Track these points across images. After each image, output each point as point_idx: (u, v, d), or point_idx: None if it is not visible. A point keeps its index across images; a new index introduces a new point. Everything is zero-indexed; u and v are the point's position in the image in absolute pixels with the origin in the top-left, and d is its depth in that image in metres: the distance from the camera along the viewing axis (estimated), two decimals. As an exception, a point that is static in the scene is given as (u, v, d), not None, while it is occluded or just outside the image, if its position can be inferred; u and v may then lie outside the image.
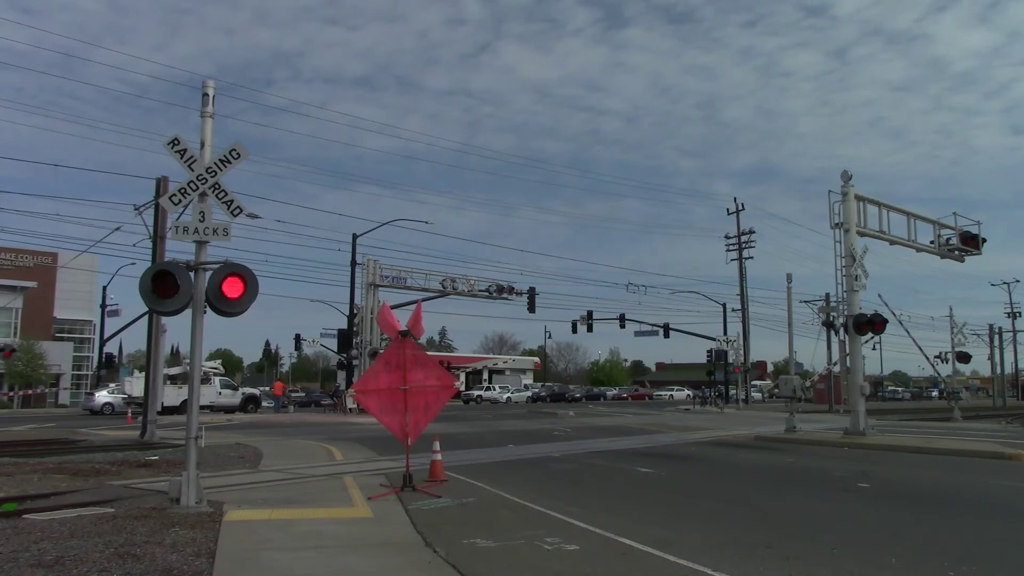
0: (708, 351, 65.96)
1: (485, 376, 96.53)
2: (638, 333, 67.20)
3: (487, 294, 54.83)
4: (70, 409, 55.48)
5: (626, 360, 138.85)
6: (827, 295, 47.06)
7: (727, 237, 66.11)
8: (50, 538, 8.15)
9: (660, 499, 12.40)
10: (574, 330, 64.09)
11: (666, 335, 65.73)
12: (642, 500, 12.26)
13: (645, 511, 10.93)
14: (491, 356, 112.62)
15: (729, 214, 66.03)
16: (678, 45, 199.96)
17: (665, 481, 14.67)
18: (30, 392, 56.83)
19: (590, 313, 63.14)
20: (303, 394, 72.42)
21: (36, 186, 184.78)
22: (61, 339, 64.61)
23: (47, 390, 59.61)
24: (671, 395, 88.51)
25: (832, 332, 34.05)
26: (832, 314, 27.78)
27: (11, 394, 55.55)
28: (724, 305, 66.92)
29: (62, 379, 62.49)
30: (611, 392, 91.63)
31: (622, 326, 64.07)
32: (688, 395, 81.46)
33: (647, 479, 14.97)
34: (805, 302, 54.96)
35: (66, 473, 14.80)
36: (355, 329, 48.66)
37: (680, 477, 15.31)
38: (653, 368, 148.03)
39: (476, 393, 74.97)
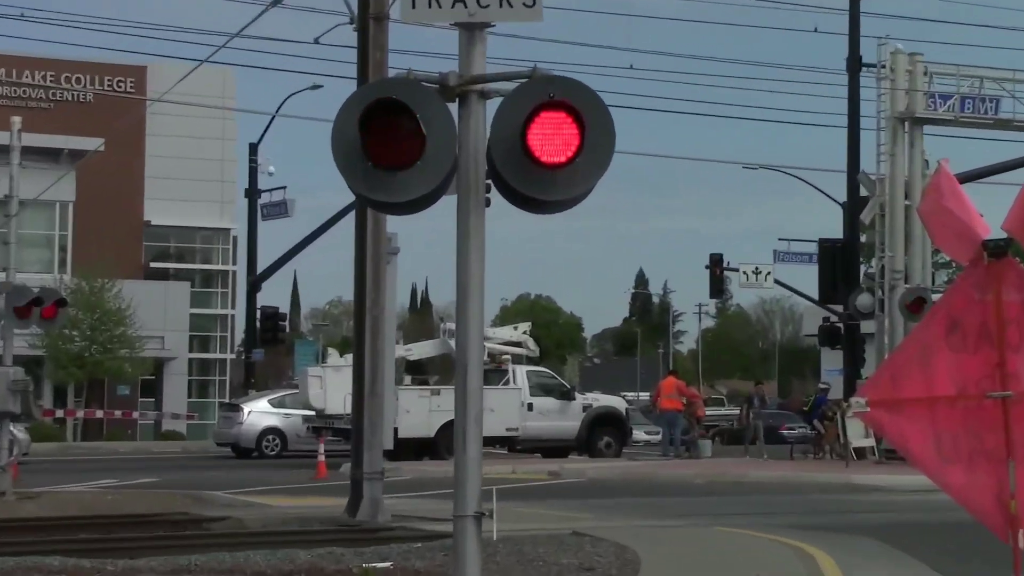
0: None
1: None
2: None
3: None
4: (188, 442, 33.62)
5: None
6: None
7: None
8: None
9: None
10: None
11: None
12: None
13: None
14: None
15: None
16: None
17: None
18: (102, 415, 32.94)
19: None
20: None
21: None
22: (157, 275, 38.07)
23: (132, 402, 35.08)
24: None
25: None
26: None
27: (75, 414, 33.07)
28: None
29: (167, 369, 35.82)
30: None
31: None
32: None
33: None
34: None
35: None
36: (862, 232, 26.12)
37: None
38: None
39: None
